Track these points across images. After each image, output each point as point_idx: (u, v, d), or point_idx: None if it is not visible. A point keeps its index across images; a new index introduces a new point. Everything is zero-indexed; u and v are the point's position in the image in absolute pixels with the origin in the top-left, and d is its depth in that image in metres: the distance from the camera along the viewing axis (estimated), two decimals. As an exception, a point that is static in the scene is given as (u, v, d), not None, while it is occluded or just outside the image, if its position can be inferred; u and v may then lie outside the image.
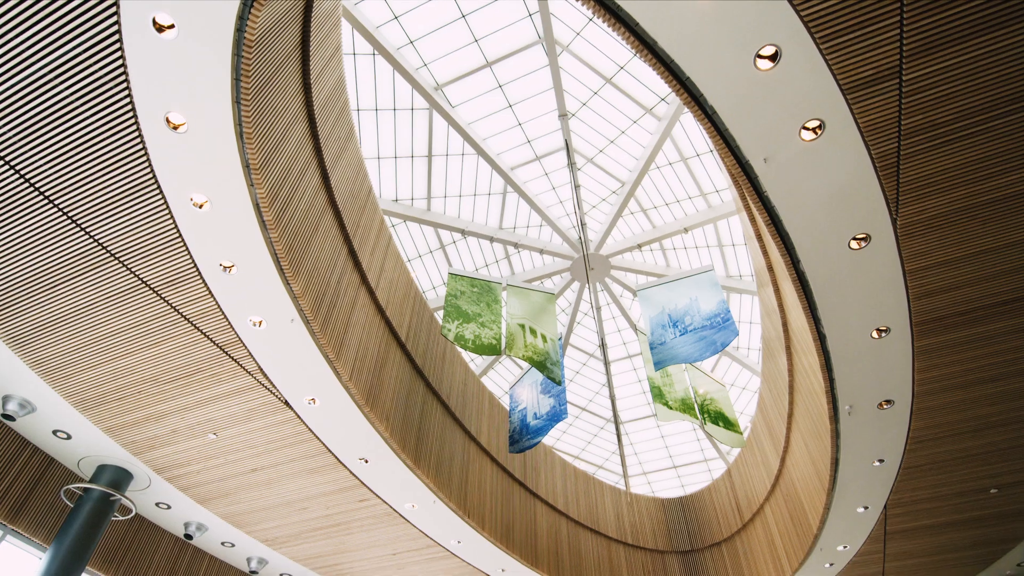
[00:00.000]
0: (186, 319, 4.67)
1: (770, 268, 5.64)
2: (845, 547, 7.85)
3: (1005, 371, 5.25)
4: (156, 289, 4.44)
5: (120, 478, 6.26)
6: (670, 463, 14.23)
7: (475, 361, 12.51)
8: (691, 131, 9.05)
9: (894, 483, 6.59)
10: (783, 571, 8.69)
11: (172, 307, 4.57)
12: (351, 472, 6.27)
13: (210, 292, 4.44)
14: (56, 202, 4.00)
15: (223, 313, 4.59)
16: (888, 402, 5.47)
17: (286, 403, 5.41)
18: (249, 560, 7.98)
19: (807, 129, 3.55)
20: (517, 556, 7.85)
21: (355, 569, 8.28)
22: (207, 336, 4.80)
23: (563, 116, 9.12)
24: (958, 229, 4.13)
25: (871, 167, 3.73)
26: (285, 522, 7.17)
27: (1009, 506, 7.08)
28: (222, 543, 7.68)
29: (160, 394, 5.34)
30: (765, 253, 5.53)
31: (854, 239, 4.11)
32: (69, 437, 5.91)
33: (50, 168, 3.83)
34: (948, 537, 7.68)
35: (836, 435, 5.88)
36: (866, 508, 7.04)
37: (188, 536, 7.19)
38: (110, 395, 5.36)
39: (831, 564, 8.28)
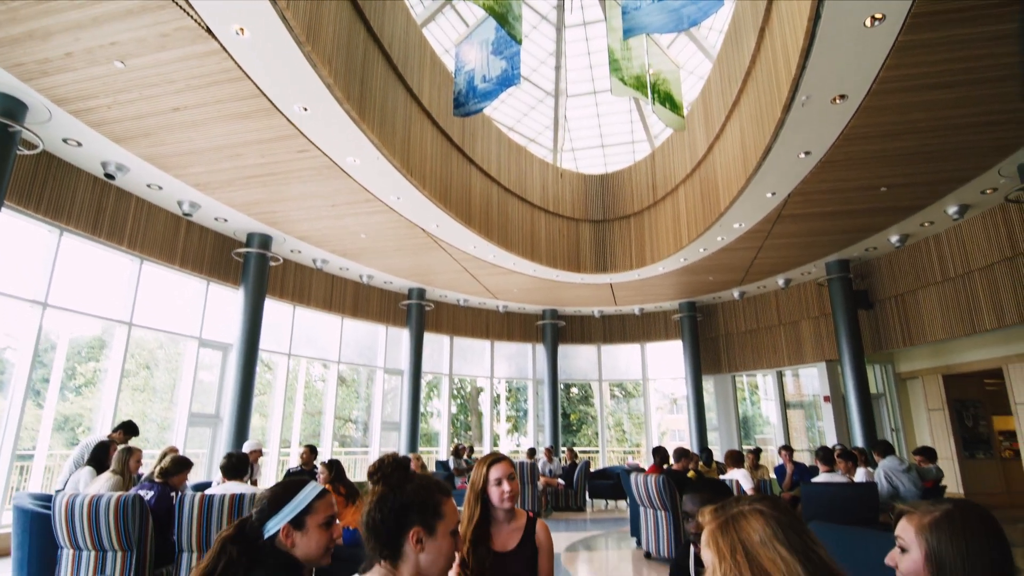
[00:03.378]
0: None
1: (783, -73, 4.87)
2: (740, 225, 8.96)
3: (959, 79, 5.34)
4: None
5: (12, 107, 5.44)
6: (599, 142, 14.67)
7: (415, 8, 11.02)
8: None
9: (807, 174, 7.22)
10: (680, 241, 9.99)
11: None
12: (289, 120, 5.83)
13: None
14: None
15: None
16: (842, 97, 5.56)
17: (208, 31, 4.57)
18: (180, 203, 7.88)
19: None
20: (452, 214, 8.32)
21: (292, 217, 8.49)
22: (89, -77, 3.64)
23: None
24: (1017, -101, 3.60)
25: None
26: (216, 168, 6.89)
27: (887, 203, 8.14)
28: (148, 185, 7.39)
29: (38, 3, 4.28)
30: (786, -95, 4.69)
31: None
32: (-74, 48, 4.83)
33: None
34: (826, 224, 8.93)
35: (780, 125, 6.07)
36: (773, 194, 7.82)
37: (109, 176, 6.79)
38: (-33, -4, 4.22)
39: (721, 239, 9.56)
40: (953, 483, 10.42)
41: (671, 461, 7.09)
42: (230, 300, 9.30)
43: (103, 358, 9.04)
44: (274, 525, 1.52)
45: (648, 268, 11.16)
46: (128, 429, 5.70)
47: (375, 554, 1.31)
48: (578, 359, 15.50)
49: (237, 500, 3.79)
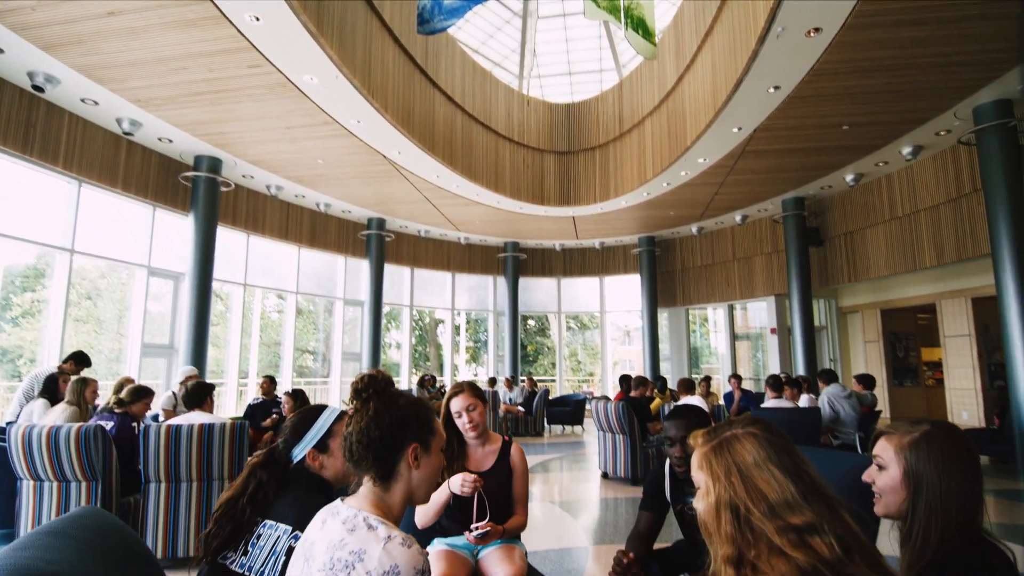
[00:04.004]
0: None
1: None
2: (704, 160, 8.99)
3: (929, 16, 5.34)
4: None
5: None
6: (567, 69, 14.20)
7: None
8: None
9: (774, 110, 7.23)
10: (645, 175, 9.98)
11: None
12: (239, 31, 5.36)
13: None
14: None
15: None
16: (817, 30, 5.50)
17: (145, -77, 4.07)
18: (120, 121, 7.28)
19: None
20: (415, 140, 8.01)
21: (244, 139, 8.01)
22: None
23: None
24: None
25: None
26: (159, 83, 6.34)
27: (848, 142, 8.29)
28: (82, 100, 6.75)
29: None
30: None
31: None
32: None
33: None
34: (787, 160, 9.06)
35: (754, 56, 5.98)
36: (740, 129, 7.83)
37: (37, 88, 6.15)
38: None
39: (685, 173, 9.60)
40: (883, 408, 11.29)
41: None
42: (179, 227, 8.85)
43: (40, 287, 8.56)
44: (300, 451, 1.59)
45: (611, 202, 11.17)
46: (79, 359, 5.49)
47: (367, 473, 1.27)
48: (537, 291, 15.67)
49: (206, 431, 3.74)
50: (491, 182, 10.18)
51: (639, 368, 16.03)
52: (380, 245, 12.42)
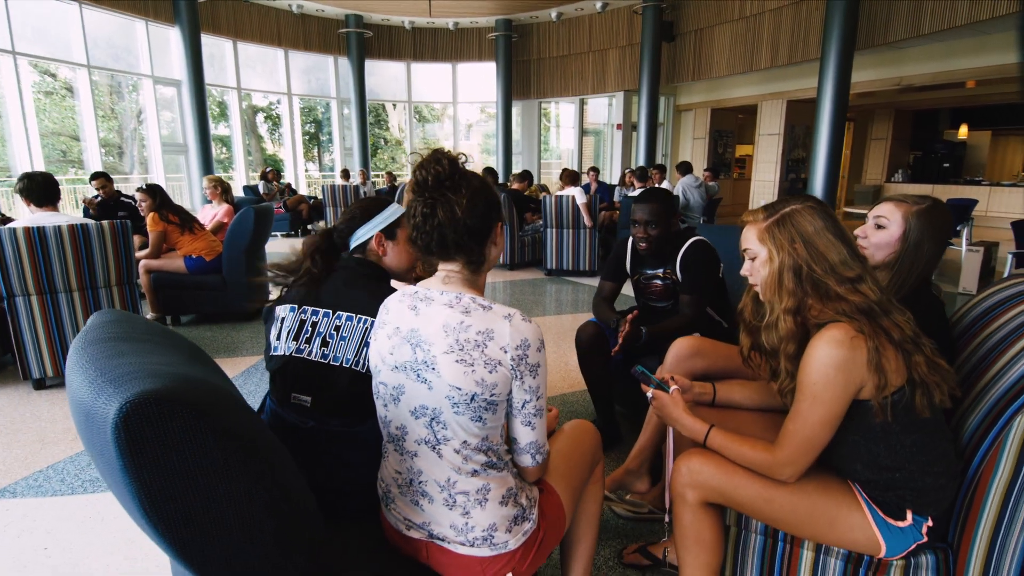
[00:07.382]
0: None
1: None
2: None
3: None
4: None
5: None
6: None
7: None
8: None
9: None
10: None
11: None
12: None
13: None
14: None
15: None
16: None
17: None
18: None
19: None
20: None
21: None
22: None
23: None
24: None
25: None
26: None
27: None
28: None
29: None
30: None
31: None
32: None
33: None
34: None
35: None
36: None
37: None
38: None
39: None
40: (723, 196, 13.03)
41: (499, 181, 7.57)
42: None
43: None
44: (365, 232, 1.56)
45: (474, -26, 10.08)
46: None
47: (460, 260, 1.21)
48: (383, 77, 14.38)
49: (79, 232, 3.16)
50: (338, -65, 8.47)
51: (478, 162, 16.21)
52: (192, 8, 10.06)
